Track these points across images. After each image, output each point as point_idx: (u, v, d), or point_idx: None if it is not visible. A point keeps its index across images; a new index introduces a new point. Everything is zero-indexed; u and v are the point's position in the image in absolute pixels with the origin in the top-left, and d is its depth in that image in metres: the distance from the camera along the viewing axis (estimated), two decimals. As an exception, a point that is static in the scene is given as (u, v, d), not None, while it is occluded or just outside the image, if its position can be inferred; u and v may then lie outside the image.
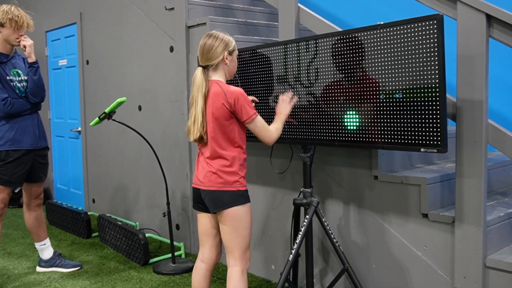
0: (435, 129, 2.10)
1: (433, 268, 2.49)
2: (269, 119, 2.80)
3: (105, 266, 3.77)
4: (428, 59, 2.09)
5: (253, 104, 2.44)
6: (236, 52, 2.46)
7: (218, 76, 2.38)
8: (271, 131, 2.40)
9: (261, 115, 2.38)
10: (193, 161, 3.91)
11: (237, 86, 2.35)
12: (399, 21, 2.18)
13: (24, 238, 4.56)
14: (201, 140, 2.36)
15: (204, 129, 2.33)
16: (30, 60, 3.30)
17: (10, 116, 3.27)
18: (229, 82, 2.43)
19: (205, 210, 2.43)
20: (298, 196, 2.73)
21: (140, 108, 4.47)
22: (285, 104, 2.57)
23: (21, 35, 3.28)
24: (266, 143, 2.42)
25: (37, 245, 3.66)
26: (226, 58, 2.36)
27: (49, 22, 5.88)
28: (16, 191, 5.62)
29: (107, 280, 3.48)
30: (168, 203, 3.73)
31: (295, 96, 2.64)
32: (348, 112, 2.43)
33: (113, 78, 4.84)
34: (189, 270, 3.56)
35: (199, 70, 2.36)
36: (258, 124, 2.35)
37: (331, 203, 2.96)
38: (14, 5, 3.27)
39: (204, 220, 2.48)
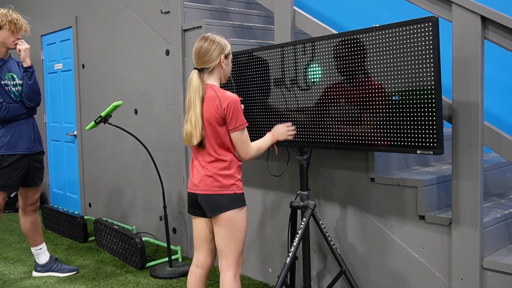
0: (431, 131, 2.10)
1: (430, 270, 2.49)
2: (261, 124, 2.80)
3: (101, 270, 3.75)
4: (424, 61, 2.09)
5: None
6: (231, 56, 2.45)
7: (213, 80, 2.37)
8: (250, 148, 2.36)
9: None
10: (189, 164, 3.89)
11: (232, 89, 2.34)
12: (395, 23, 2.18)
13: (20, 243, 4.54)
14: (201, 144, 2.33)
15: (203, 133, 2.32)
16: (25, 65, 3.29)
17: (5, 121, 3.26)
18: (225, 84, 2.42)
19: (201, 215, 2.42)
20: (295, 199, 2.72)
21: (136, 111, 4.46)
22: (282, 130, 2.57)
23: (18, 39, 3.27)
24: (240, 157, 2.38)
25: (33, 249, 3.64)
26: (223, 62, 2.36)
27: (45, 26, 5.86)
28: (12, 195, 5.60)
29: (103, 284, 3.46)
30: (164, 207, 3.71)
31: (294, 130, 2.62)
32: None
33: (109, 81, 4.83)
34: (186, 273, 3.54)
35: (194, 73, 2.34)
36: (243, 136, 2.32)
37: (328, 206, 2.96)
38: (11, 9, 3.27)
39: (200, 225, 2.46)
